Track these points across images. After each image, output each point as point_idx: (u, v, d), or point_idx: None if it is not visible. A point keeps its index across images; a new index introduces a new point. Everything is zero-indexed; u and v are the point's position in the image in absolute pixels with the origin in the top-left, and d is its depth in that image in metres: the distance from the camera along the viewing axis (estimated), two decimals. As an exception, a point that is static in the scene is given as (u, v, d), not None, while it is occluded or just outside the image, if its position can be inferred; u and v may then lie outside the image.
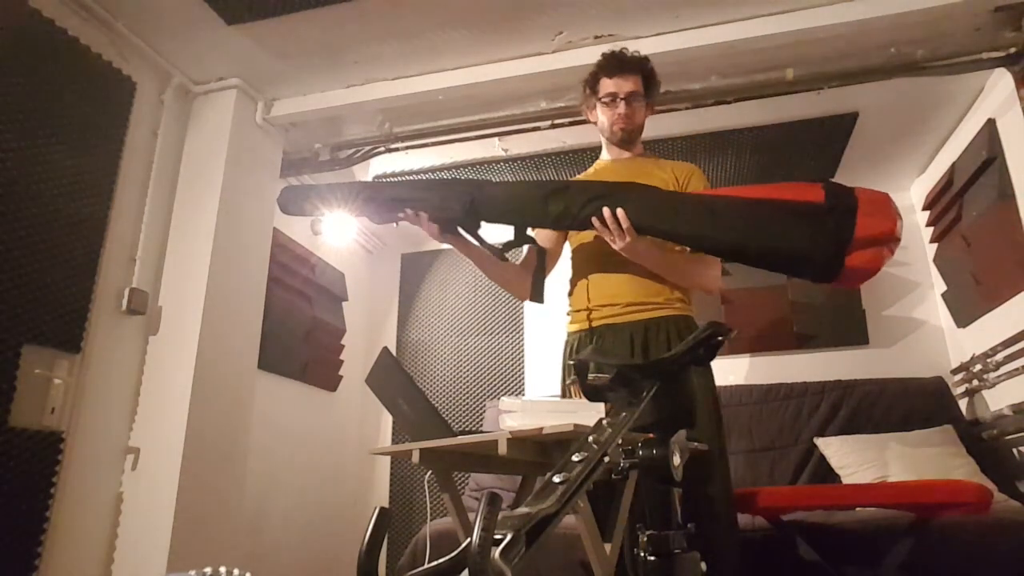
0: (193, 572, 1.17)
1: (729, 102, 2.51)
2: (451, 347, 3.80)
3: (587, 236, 1.79)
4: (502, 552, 0.52)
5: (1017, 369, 2.55)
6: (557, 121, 2.61)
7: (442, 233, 1.75)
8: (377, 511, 0.64)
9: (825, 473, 2.77)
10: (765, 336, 3.38)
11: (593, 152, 2.96)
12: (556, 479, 0.66)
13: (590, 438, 0.77)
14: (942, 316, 3.23)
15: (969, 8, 2.15)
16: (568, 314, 1.88)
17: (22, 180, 1.90)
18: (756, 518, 2.02)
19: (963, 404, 2.94)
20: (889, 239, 1.45)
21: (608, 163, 1.95)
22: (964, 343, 3.01)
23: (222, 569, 1.19)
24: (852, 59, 2.35)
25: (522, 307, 3.77)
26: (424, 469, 1.68)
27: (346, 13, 2.22)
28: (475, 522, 0.51)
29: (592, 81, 1.87)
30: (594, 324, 1.78)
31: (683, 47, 2.30)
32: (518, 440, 1.35)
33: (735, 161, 3.10)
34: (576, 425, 1.30)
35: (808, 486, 2.71)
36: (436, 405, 1.95)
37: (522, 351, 3.69)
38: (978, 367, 2.82)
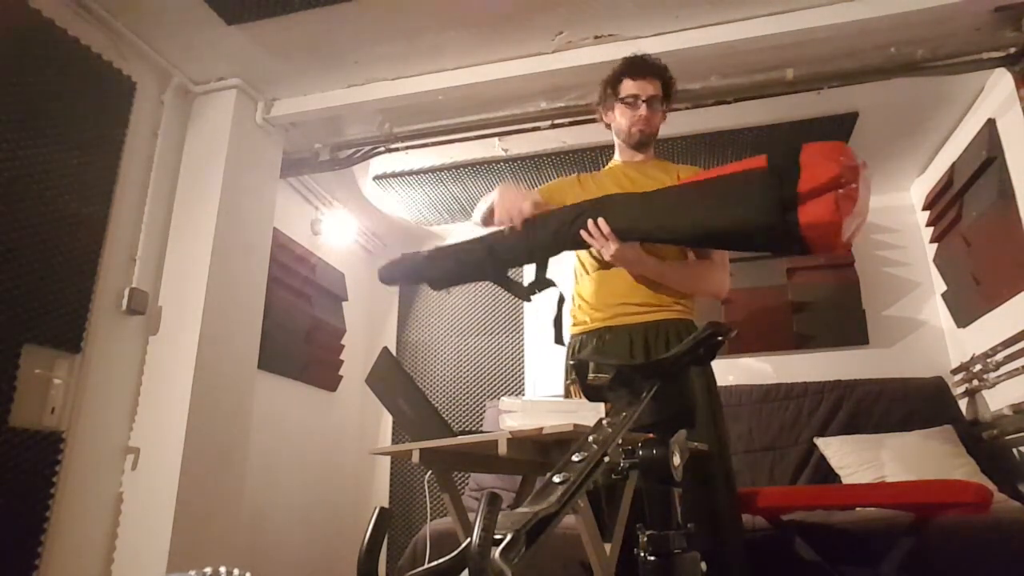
0: (193, 572, 1.17)
1: (729, 102, 2.51)
2: (451, 347, 3.80)
3: None
4: (502, 552, 0.52)
5: (1017, 369, 2.55)
6: (557, 121, 2.61)
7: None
8: (377, 511, 0.64)
9: (825, 473, 2.77)
10: (765, 336, 3.38)
11: (593, 152, 2.99)
12: (556, 479, 0.66)
13: (590, 438, 0.77)
14: (942, 316, 3.23)
15: (969, 8, 2.15)
16: (571, 315, 1.89)
17: (22, 180, 1.90)
18: (756, 518, 2.02)
19: (963, 404, 2.94)
20: (836, 183, 1.32)
21: (619, 165, 1.95)
22: (964, 343, 3.01)
23: (222, 569, 1.19)
24: (852, 59, 2.36)
25: (522, 307, 3.77)
26: (424, 469, 1.68)
27: (346, 13, 2.22)
28: (475, 522, 0.51)
29: (614, 82, 1.87)
30: (595, 326, 1.79)
31: (683, 47, 2.30)
32: (518, 440, 1.35)
33: (735, 161, 3.09)
34: (576, 425, 1.30)
35: (808, 486, 2.71)
36: (436, 405, 1.95)
37: (522, 351, 3.69)
38: (978, 367, 2.82)
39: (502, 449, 1.34)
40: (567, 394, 1.84)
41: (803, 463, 2.85)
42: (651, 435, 0.89)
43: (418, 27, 2.31)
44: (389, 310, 4.01)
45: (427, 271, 1.85)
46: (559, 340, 1.85)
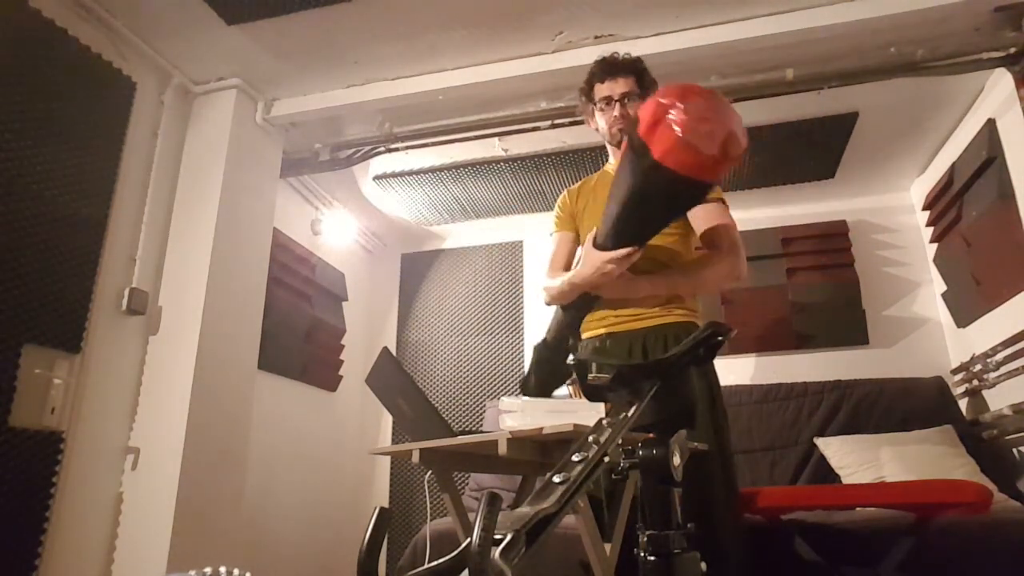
0: (193, 572, 1.17)
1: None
2: (451, 347, 3.80)
3: None
4: (502, 552, 0.52)
5: (1017, 369, 2.55)
6: (557, 121, 2.61)
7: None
8: (377, 511, 0.64)
9: (825, 473, 2.76)
10: (765, 336, 3.39)
11: (593, 152, 2.99)
12: (556, 479, 0.66)
13: (590, 438, 0.77)
14: (942, 316, 3.23)
15: (969, 8, 2.15)
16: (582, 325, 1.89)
17: (22, 180, 1.90)
18: (756, 518, 2.02)
19: (963, 404, 2.94)
20: (662, 112, 1.31)
21: (614, 168, 1.95)
22: (964, 343, 3.01)
23: (222, 569, 1.19)
24: (852, 59, 2.36)
25: (522, 307, 3.77)
26: (424, 469, 1.68)
27: (346, 13, 2.22)
28: (475, 522, 0.51)
29: (587, 89, 1.89)
30: (599, 332, 1.81)
31: (683, 47, 2.30)
32: (518, 440, 1.35)
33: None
34: (576, 425, 1.30)
35: (808, 486, 2.71)
36: (436, 405, 1.95)
37: (522, 351, 3.69)
38: (978, 367, 2.82)
39: (502, 449, 1.35)
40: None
41: (803, 463, 2.85)
42: (651, 435, 0.89)
43: (418, 27, 2.31)
44: (389, 310, 4.01)
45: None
46: (526, 390, 1.86)
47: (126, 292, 2.23)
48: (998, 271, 2.65)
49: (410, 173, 3.22)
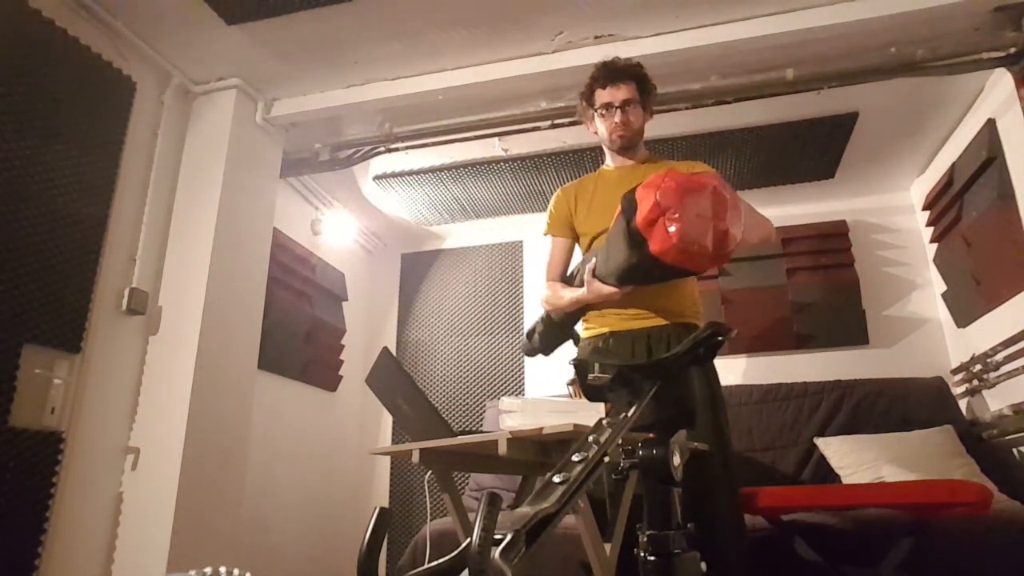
0: (193, 572, 1.17)
1: (729, 102, 2.51)
2: (451, 347, 3.80)
3: (598, 244, 1.82)
4: (502, 552, 0.52)
5: (1017, 369, 2.55)
6: (557, 121, 2.61)
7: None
8: (377, 511, 0.64)
9: (825, 473, 2.76)
10: (765, 336, 3.38)
11: (592, 152, 2.98)
12: (556, 479, 0.66)
13: (590, 438, 0.77)
14: (942, 316, 3.23)
15: (969, 8, 2.15)
16: (582, 320, 1.90)
17: (22, 180, 1.90)
18: (756, 518, 2.02)
19: (963, 404, 2.94)
20: (658, 211, 1.38)
21: (611, 170, 1.97)
22: (964, 343, 3.01)
23: (222, 569, 1.19)
24: (852, 59, 2.36)
25: (522, 307, 3.77)
26: (424, 469, 1.68)
27: (346, 13, 2.22)
28: (475, 522, 0.51)
29: (587, 93, 1.89)
30: (602, 331, 1.81)
31: (683, 47, 2.30)
32: (518, 440, 1.35)
33: (735, 161, 3.10)
34: (576, 425, 1.30)
35: (808, 486, 2.71)
36: (436, 405, 1.95)
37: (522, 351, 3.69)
38: (978, 367, 2.82)
39: (502, 449, 1.35)
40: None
41: (803, 463, 2.85)
42: (651, 435, 0.89)
43: (418, 27, 2.31)
44: (389, 310, 4.01)
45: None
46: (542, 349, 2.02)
47: (126, 292, 2.22)
48: (998, 271, 2.65)
49: (410, 173, 3.22)
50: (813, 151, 3.06)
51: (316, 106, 2.66)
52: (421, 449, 1.51)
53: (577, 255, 2.01)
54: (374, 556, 0.61)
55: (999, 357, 2.67)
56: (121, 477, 2.17)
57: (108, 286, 2.17)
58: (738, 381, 3.20)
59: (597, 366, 1.00)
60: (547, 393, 3.25)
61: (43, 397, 1.91)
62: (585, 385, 1.01)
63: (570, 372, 2.13)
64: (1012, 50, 2.25)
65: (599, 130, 1.89)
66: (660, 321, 1.76)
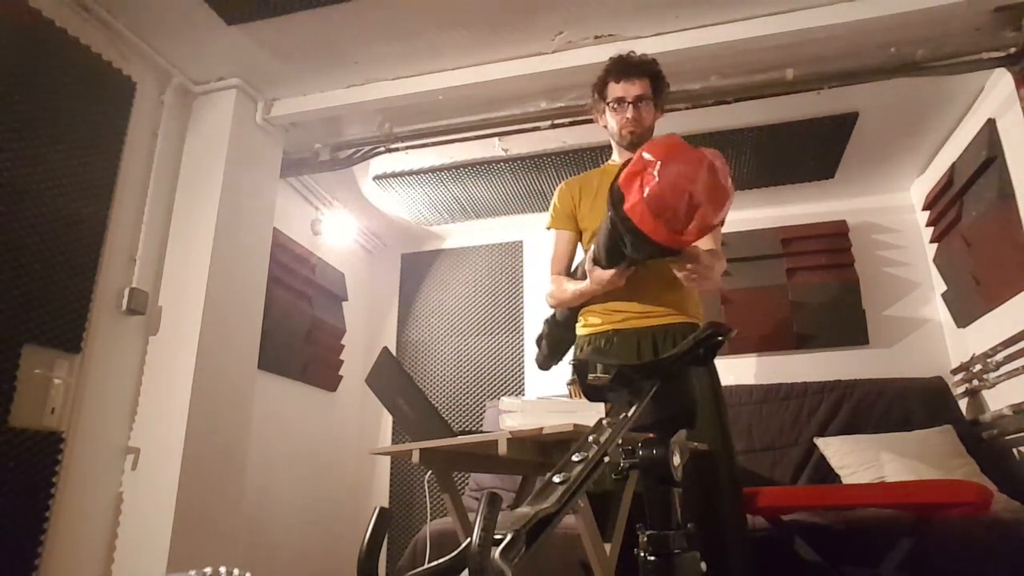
0: (193, 572, 1.17)
1: (729, 102, 2.51)
2: (451, 347, 3.80)
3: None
4: (502, 552, 0.52)
5: (1017, 369, 2.55)
6: (557, 121, 2.61)
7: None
8: (377, 511, 0.64)
9: (825, 473, 2.77)
10: (765, 336, 3.38)
11: (593, 152, 2.99)
12: (556, 479, 0.66)
13: (590, 438, 0.77)
14: (942, 316, 3.23)
15: (969, 8, 2.15)
16: (580, 316, 1.89)
17: (22, 180, 1.90)
18: (756, 518, 2.02)
19: (963, 404, 2.94)
20: (639, 168, 1.38)
21: (616, 166, 1.95)
22: (964, 343, 3.01)
23: (222, 569, 1.19)
24: (852, 59, 2.36)
25: (522, 307, 3.77)
26: (424, 469, 1.68)
27: (346, 13, 2.22)
28: (475, 522, 0.51)
29: (600, 86, 1.87)
30: (605, 329, 1.80)
31: (683, 47, 2.30)
32: (518, 440, 1.35)
33: (735, 161, 3.10)
34: (576, 425, 1.30)
35: (808, 486, 2.71)
36: (436, 405, 1.95)
37: (522, 351, 3.69)
38: (978, 367, 2.82)
39: (502, 449, 1.35)
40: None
41: (803, 463, 2.85)
42: (651, 435, 0.89)
43: (418, 27, 2.31)
44: (389, 310, 4.01)
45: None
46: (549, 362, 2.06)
47: (126, 292, 2.22)
48: (998, 271, 2.65)
49: (410, 173, 3.22)
50: (813, 151, 3.06)
51: (316, 106, 2.66)
52: (421, 449, 1.51)
53: (580, 252, 2.01)
54: (374, 556, 0.61)
55: (999, 357, 2.67)
56: (121, 477, 2.17)
57: (108, 286, 2.17)
58: (738, 381, 3.20)
59: (598, 366, 1.00)
60: (547, 393, 3.25)
61: (43, 397, 1.91)
62: (585, 385, 1.01)
63: (570, 372, 2.14)
64: (1012, 50, 2.25)
65: (609, 124, 1.88)
66: (666, 319, 1.75)
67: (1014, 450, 2.61)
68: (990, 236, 2.69)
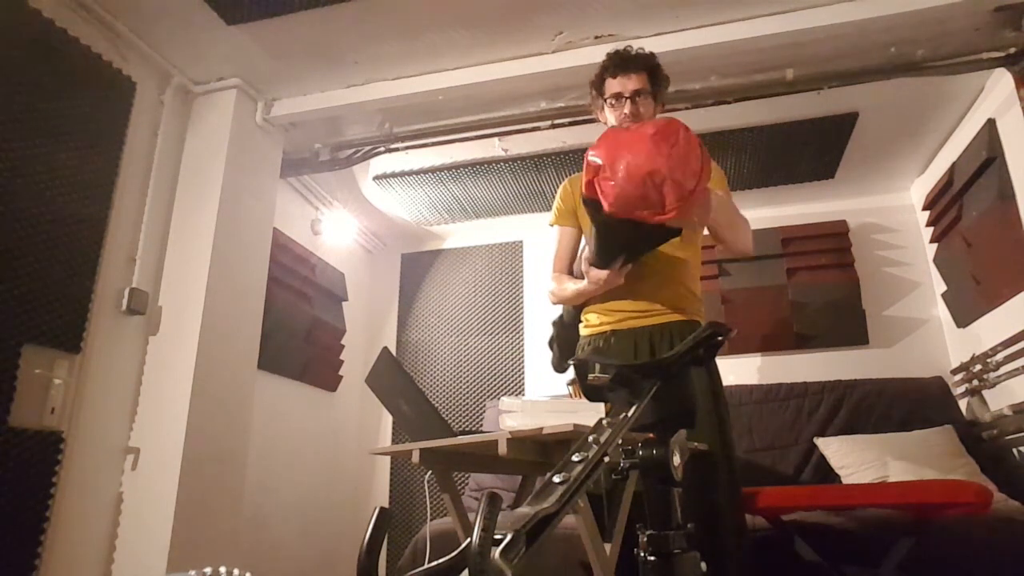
0: (193, 572, 1.17)
1: (729, 102, 2.51)
2: (451, 347, 3.80)
3: None
4: (502, 552, 0.52)
5: (1017, 369, 2.55)
6: (557, 121, 2.61)
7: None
8: (377, 511, 0.64)
9: (825, 473, 2.77)
10: (765, 336, 3.38)
11: (593, 152, 2.98)
12: (556, 479, 0.66)
13: (590, 438, 0.77)
14: (942, 316, 3.23)
15: (969, 8, 2.15)
16: (582, 316, 1.90)
17: (22, 180, 1.90)
18: (756, 518, 2.02)
19: (963, 404, 2.94)
20: (592, 173, 1.43)
21: None
22: (964, 343, 3.01)
23: (222, 569, 1.19)
24: (852, 59, 2.36)
25: (522, 307, 3.77)
26: (424, 469, 1.68)
27: (346, 13, 2.22)
28: (475, 522, 0.51)
29: (598, 82, 1.85)
30: (604, 329, 1.80)
31: (683, 47, 2.30)
32: (518, 440, 1.35)
33: (735, 161, 3.10)
34: (576, 425, 1.30)
35: (808, 486, 2.71)
36: (436, 405, 1.95)
37: (522, 351, 3.69)
38: (978, 367, 2.82)
39: (502, 449, 1.35)
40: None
41: (803, 463, 2.85)
42: (651, 435, 0.89)
43: (418, 27, 2.31)
44: (389, 310, 4.01)
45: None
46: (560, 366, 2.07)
47: (126, 292, 2.22)
48: (998, 271, 2.65)
49: (410, 173, 3.22)
50: (813, 151, 3.06)
51: (316, 106, 2.66)
52: (421, 449, 1.51)
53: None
54: (374, 556, 0.61)
55: (999, 357, 2.67)
56: (121, 477, 2.17)
57: (108, 286, 2.17)
58: (738, 381, 3.20)
59: (597, 366, 1.00)
60: (547, 393, 3.25)
61: (43, 397, 1.91)
62: (585, 385, 1.01)
63: (570, 372, 2.15)
64: (1012, 50, 2.25)
65: (608, 120, 1.86)
66: (663, 318, 1.75)
67: (1014, 450, 2.61)
68: (990, 236, 2.69)
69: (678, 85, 2.45)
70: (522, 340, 3.71)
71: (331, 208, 3.51)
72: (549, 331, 2.13)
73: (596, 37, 2.36)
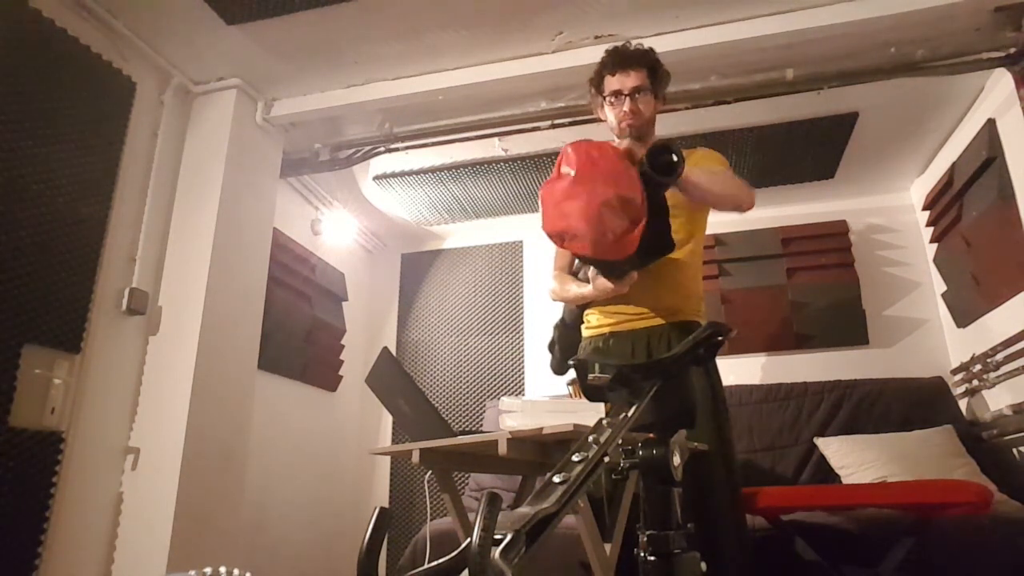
0: (193, 572, 1.17)
1: (729, 102, 2.51)
2: (451, 347, 3.80)
3: None
4: (502, 552, 0.52)
5: (1017, 369, 2.55)
6: (557, 121, 2.61)
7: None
8: (377, 511, 0.64)
9: (825, 473, 2.77)
10: (765, 336, 3.38)
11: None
12: (556, 479, 0.66)
13: (590, 438, 0.77)
14: (942, 316, 3.23)
15: (969, 8, 2.15)
16: (584, 317, 1.90)
17: (22, 180, 1.90)
18: (756, 518, 2.02)
19: (963, 404, 2.94)
20: (560, 244, 1.53)
21: None
22: (964, 343, 3.01)
23: (222, 569, 1.19)
24: (852, 59, 2.36)
25: (522, 307, 3.77)
26: (424, 469, 1.68)
27: (346, 13, 2.22)
28: (475, 522, 0.51)
29: (597, 80, 1.83)
30: (603, 331, 1.81)
31: (683, 47, 2.30)
32: (518, 440, 1.35)
33: (735, 161, 3.10)
34: (576, 425, 1.30)
35: (808, 486, 2.71)
36: (436, 405, 1.95)
37: (522, 351, 3.69)
38: (978, 367, 2.82)
39: (502, 449, 1.35)
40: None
41: (803, 463, 2.85)
42: (651, 435, 0.89)
43: (418, 27, 2.31)
44: (389, 310, 4.00)
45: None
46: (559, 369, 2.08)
47: (126, 292, 2.22)
48: (998, 271, 2.65)
49: (410, 173, 3.22)
50: (813, 151, 3.06)
51: (316, 106, 2.66)
52: (421, 449, 1.51)
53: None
54: (374, 556, 0.61)
55: (999, 357, 2.67)
56: (121, 477, 2.17)
57: (108, 286, 2.17)
58: (738, 381, 3.19)
59: (597, 366, 1.00)
60: (547, 393, 3.25)
61: (43, 397, 1.91)
62: (585, 385, 1.01)
63: (571, 372, 2.15)
64: (1012, 50, 2.25)
65: (608, 118, 1.84)
66: (659, 320, 1.76)
67: (1014, 450, 2.61)
68: (990, 236, 2.69)
69: (678, 85, 2.44)
70: (522, 340, 3.71)
71: (331, 208, 3.51)
72: (550, 332, 2.12)
73: (596, 37, 2.36)
